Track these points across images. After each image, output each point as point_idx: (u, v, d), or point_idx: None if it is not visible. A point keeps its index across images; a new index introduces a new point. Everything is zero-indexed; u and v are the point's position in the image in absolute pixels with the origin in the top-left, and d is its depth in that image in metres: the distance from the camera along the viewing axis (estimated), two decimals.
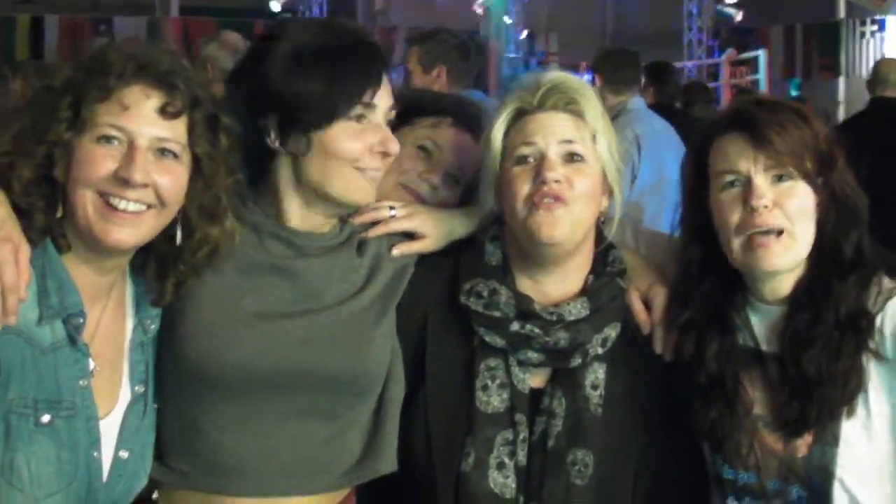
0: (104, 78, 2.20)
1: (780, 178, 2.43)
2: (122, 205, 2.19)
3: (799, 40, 22.56)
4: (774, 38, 22.38)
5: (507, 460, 2.53)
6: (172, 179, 2.24)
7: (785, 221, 2.41)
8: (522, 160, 2.53)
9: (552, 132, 2.53)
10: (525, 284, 2.59)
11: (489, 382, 2.55)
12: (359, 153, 2.46)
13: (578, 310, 2.55)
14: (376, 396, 2.55)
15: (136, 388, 2.36)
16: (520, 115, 2.59)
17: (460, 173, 2.93)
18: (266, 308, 2.46)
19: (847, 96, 20.50)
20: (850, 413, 2.40)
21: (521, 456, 2.54)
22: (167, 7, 19.86)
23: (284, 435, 2.45)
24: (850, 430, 2.41)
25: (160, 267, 2.35)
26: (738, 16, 20.98)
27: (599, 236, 2.65)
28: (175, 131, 2.25)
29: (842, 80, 21.57)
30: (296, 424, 2.46)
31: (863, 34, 22.17)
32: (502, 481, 2.51)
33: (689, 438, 2.59)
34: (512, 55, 21.30)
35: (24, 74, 6.19)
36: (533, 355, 2.54)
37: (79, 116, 2.18)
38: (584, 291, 2.59)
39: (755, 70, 18.55)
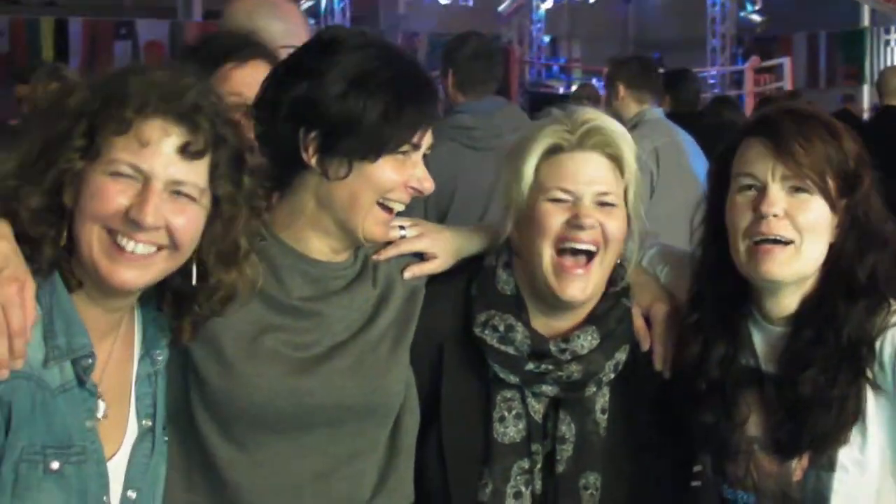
0: (123, 109, 2.06)
1: (796, 190, 2.39)
2: (129, 246, 2.07)
3: (823, 48, 22.50)
4: (798, 45, 22.33)
5: (523, 489, 2.50)
6: (187, 221, 2.11)
7: (793, 233, 2.38)
8: (556, 201, 2.49)
9: (590, 179, 2.49)
10: (536, 318, 2.55)
11: (506, 413, 2.52)
12: (393, 185, 2.40)
13: (589, 341, 2.51)
14: (391, 426, 2.51)
15: (144, 422, 2.26)
16: (555, 151, 2.53)
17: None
18: (286, 347, 2.40)
19: (872, 104, 20.42)
20: (845, 440, 2.36)
21: (538, 484, 2.51)
22: (190, 11, 19.94)
23: (304, 472, 2.41)
24: (847, 456, 2.37)
25: (177, 303, 2.25)
26: (762, 23, 20.91)
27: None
28: (195, 173, 2.11)
29: (866, 88, 21.48)
30: (315, 460, 2.42)
31: (887, 42, 22.11)
32: None
33: (685, 457, 2.58)
34: (534, 60, 21.31)
35: (37, 81, 6.19)
36: (548, 388, 2.51)
37: (93, 145, 2.06)
38: (591, 317, 2.56)
39: (779, 78, 18.49)
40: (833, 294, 2.40)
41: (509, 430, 2.51)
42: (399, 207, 2.43)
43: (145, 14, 20.28)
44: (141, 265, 2.09)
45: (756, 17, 20.75)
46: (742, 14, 21.12)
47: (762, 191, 2.39)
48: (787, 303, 2.45)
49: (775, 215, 2.36)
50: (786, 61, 18.69)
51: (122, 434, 2.22)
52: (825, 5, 21.20)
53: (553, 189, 2.49)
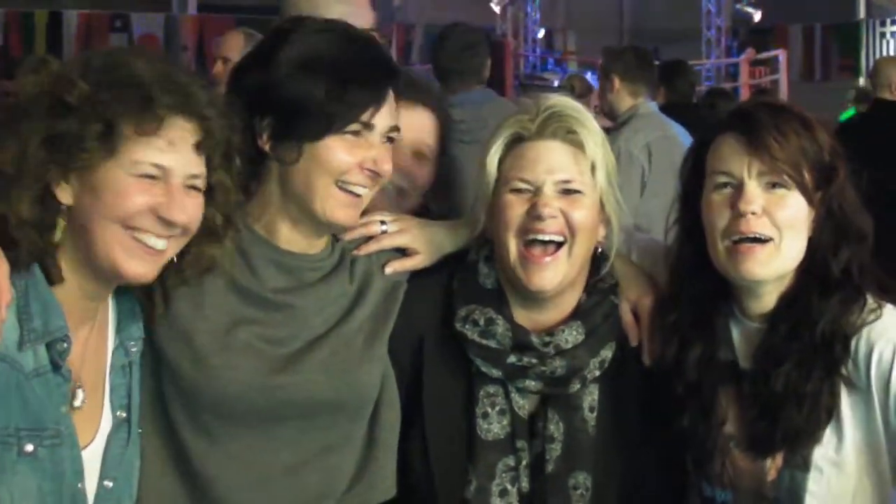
0: (149, 112, 2.06)
1: (773, 186, 2.36)
2: (151, 241, 2.09)
3: (818, 40, 22.49)
4: (794, 38, 22.32)
5: (509, 487, 2.48)
6: (196, 210, 2.17)
7: (772, 230, 2.35)
8: (517, 191, 2.46)
9: (550, 167, 2.45)
10: (518, 311, 2.52)
11: (489, 409, 2.50)
12: (346, 167, 2.38)
13: (574, 336, 2.49)
14: (367, 420, 2.49)
15: (118, 412, 2.25)
16: (516, 141, 2.50)
17: (426, 148, 2.89)
18: (259, 340, 2.39)
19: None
20: (818, 439, 2.34)
21: (525, 482, 2.49)
22: (185, 4, 19.92)
23: (276, 465, 2.40)
24: (821, 456, 2.35)
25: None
26: (757, 15, 20.89)
27: (595, 258, 2.57)
28: (202, 166, 2.17)
29: (862, 81, 21.48)
30: (287, 453, 2.40)
31: (883, 34, 22.10)
32: None
33: (675, 454, 2.54)
34: (529, 53, 21.28)
35: (22, 75, 6.14)
36: (531, 384, 2.48)
37: (108, 146, 2.04)
38: (577, 312, 2.53)
39: (774, 70, 18.47)
40: (808, 289, 2.39)
41: (493, 426, 2.49)
42: (361, 191, 2.41)
43: (140, 7, 20.24)
44: (159, 257, 2.13)
45: (751, 10, 20.69)
46: (737, 6, 21.07)
47: (738, 188, 2.36)
48: (767, 300, 2.43)
49: (753, 213, 2.33)
50: (781, 54, 18.64)
51: (97, 424, 2.20)
52: None
53: (513, 180, 2.46)
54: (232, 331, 2.37)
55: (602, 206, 2.51)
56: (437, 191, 3.01)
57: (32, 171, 2.02)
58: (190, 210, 2.13)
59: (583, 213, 2.44)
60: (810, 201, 2.37)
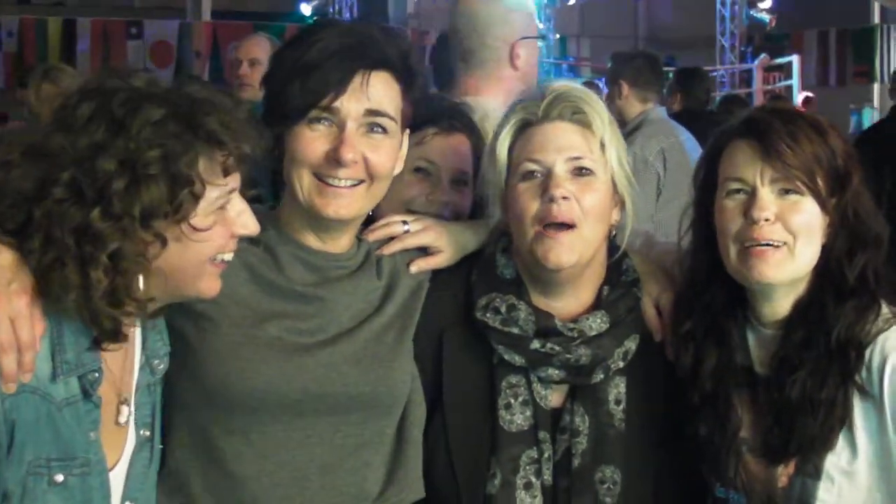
0: (222, 156, 2.06)
1: (786, 192, 2.35)
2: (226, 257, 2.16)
3: (833, 46, 22.43)
4: (808, 43, 22.26)
5: (533, 479, 2.47)
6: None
7: (786, 236, 2.35)
8: (529, 176, 2.45)
9: (558, 146, 2.44)
10: (538, 300, 2.52)
11: (511, 400, 2.49)
12: (312, 156, 2.36)
13: (598, 324, 2.48)
14: (398, 417, 2.48)
15: (142, 431, 2.25)
16: (524, 127, 2.50)
17: (464, 174, 2.87)
18: (289, 333, 2.39)
19: (882, 102, 20.36)
20: (831, 447, 2.33)
21: (548, 475, 2.48)
22: (198, 11, 19.95)
23: (311, 463, 2.38)
24: (833, 465, 2.34)
25: None
26: (772, 21, 20.84)
27: (611, 246, 2.58)
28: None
29: (877, 86, 21.42)
30: (321, 451, 2.39)
31: None
32: (530, 501, 2.46)
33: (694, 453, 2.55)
34: (543, 59, 21.27)
35: (32, 83, 6.10)
36: (554, 372, 2.47)
37: (196, 198, 2.03)
38: (600, 304, 2.53)
39: (788, 76, 18.43)
40: (823, 296, 2.38)
41: (516, 417, 2.48)
42: (338, 183, 2.37)
43: (154, 14, 20.30)
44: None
45: (765, 16, 20.66)
46: (752, 12, 21.03)
47: (752, 195, 2.36)
48: (781, 306, 2.42)
49: (766, 220, 2.33)
50: (795, 59, 18.60)
51: (122, 444, 2.20)
52: (835, 3, 21.16)
53: (524, 162, 2.46)
54: (260, 325, 2.36)
55: (615, 186, 2.50)
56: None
57: (136, 250, 2.00)
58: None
59: (595, 197, 2.44)
60: (824, 207, 2.36)
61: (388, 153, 2.42)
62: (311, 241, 2.46)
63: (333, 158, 2.34)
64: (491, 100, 3.61)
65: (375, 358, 2.43)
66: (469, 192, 2.88)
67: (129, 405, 2.19)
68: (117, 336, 2.04)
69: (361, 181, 2.39)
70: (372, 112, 2.38)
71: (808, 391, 2.33)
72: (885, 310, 2.37)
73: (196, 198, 2.02)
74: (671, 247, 2.77)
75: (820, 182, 2.35)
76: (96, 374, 2.07)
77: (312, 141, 2.36)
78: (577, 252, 2.42)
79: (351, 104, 2.36)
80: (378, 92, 2.39)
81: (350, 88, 2.35)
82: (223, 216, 2.10)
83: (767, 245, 2.34)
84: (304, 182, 2.38)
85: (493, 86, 3.78)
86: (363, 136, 2.38)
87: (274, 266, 2.42)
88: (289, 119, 2.36)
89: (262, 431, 2.36)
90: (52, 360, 2.01)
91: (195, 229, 2.04)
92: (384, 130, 2.40)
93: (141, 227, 1.97)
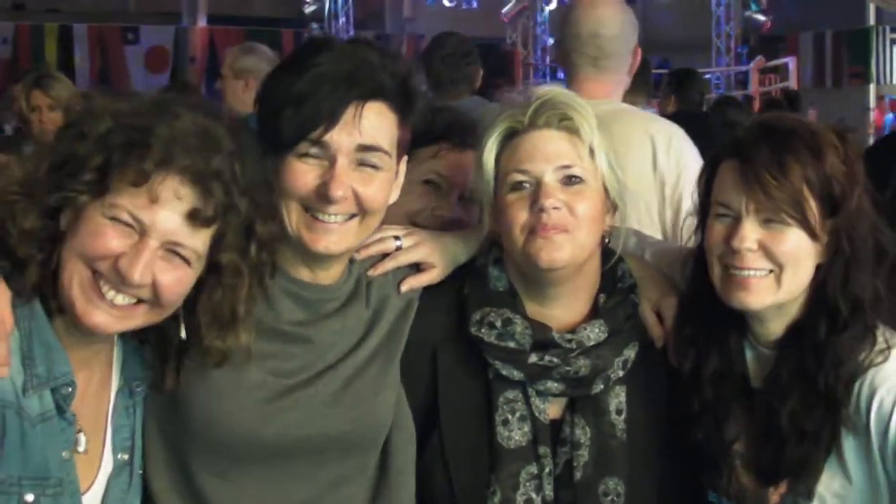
0: (143, 161, 1.97)
1: (771, 221, 2.30)
2: (109, 294, 2.00)
3: (828, 47, 22.43)
4: (803, 45, 22.26)
5: (534, 496, 2.42)
6: (176, 282, 2.05)
7: (769, 264, 2.31)
8: (518, 187, 2.40)
9: (547, 156, 2.39)
10: (533, 310, 2.48)
11: (509, 416, 2.44)
12: (302, 190, 2.27)
13: (597, 334, 2.44)
14: (380, 448, 2.44)
15: (120, 455, 2.20)
16: (511, 136, 2.44)
17: (472, 192, 2.79)
18: (273, 375, 2.33)
19: (877, 103, 20.40)
20: (818, 474, 2.31)
21: (549, 490, 2.44)
22: (194, 16, 19.97)
23: (291, 500, 2.36)
24: (826, 488, 2.32)
25: (160, 349, 2.19)
26: (767, 23, 20.84)
27: (605, 252, 2.53)
28: (197, 239, 2.04)
29: (872, 87, 21.43)
30: (300, 487, 2.36)
31: (893, 41, 22.04)
32: None
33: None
34: (539, 62, 21.27)
35: (24, 87, 6.10)
36: (553, 385, 2.43)
37: (102, 182, 1.98)
38: (598, 313, 2.49)
39: (784, 77, 18.44)
40: (816, 325, 2.34)
41: (514, 433, 2.43)
42: (328, 219, 2.29)
43: (149, 20, 20.30)
44: (118, 314, 2.03)
45: (760, 17, 20.64)
46: (747, 14, 21.02)
47: (736, 221, 2.32)
48: (774, 327, 2.40)
49: (749, 249, 2.29)
50: (791, 61, 18.61)
51: (97, 467, 2.16)
52: (830, 4, 21.16)
53: (512, 173, 2.40)
54: (245, 368, 2.28)
55: (606, 192, 2.45)
56: None
57: (40, 186, 1.99)
58: (161, 277, 2.02)
59: (587, 205, 2.39)
60: (813, 235, 2.30)
61: (381, 187, 2.32)
62: (302, 272, 2.39)
63: (323, 194, 2.25)
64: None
65: (356, 395, 2.39)
66: (475, 208, 2.81)
67: (87, 434, 2.12)
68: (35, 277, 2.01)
69: (353, 215, 2.31)
70: (364, 147, 2.27)
71: (795, 421, 2.31)
72: (879, 339, 2.32)
73: (97, 181, 1.99)
74: (666, 246, 2.75)
75: (811, 208, 2.29)
76: (69, 389, 2.03)
77: (302, 174, 2.26)
78: (569, 251, 2.37)
79: (342, 138, 2.25)
80: (372, 125, 2.28)
81: (342, 121, 2.24)
82: (115, 231, 1.99)
83: (750, 273, 2.31)
84: (293, 216, 2.29)
85: (619, 91, 3.92)
86: (354, 170, 2.28)
87: (263, 302, 2.30)
88: (279, 149, 2.26)
89: (242, 471, 2.33)
90: (23, 374, 1.97)
91: (86, 220, 2.00)
92: (376, 167, 2.31)
93: (48, 178, 2.00)
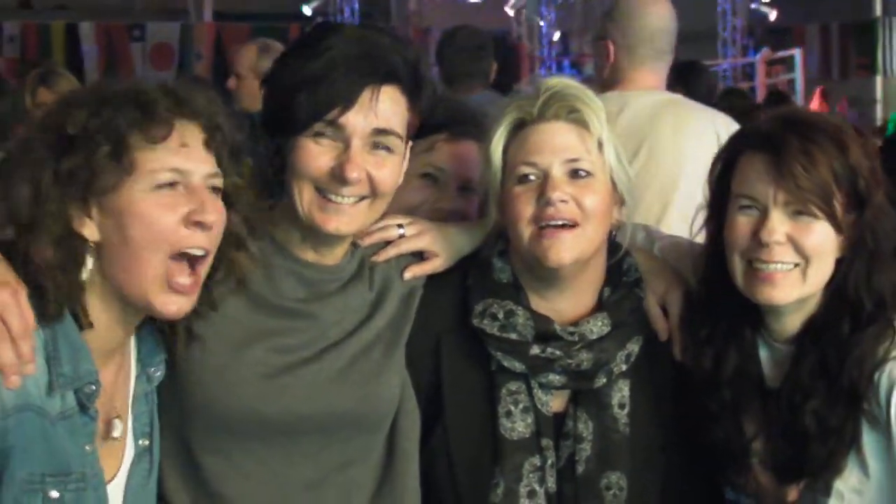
0: (154, 116, 2.03)
1: (799, 213, 2.30)
2: (192, 251, 2.07)
3: (835, 39, 22.35)
4: (810, 36, 22.18)
5: (537, 488, 2.44)
6: (223, 212, 2.14)
7: (797, 257, 2.30)
8: (525, 179, 2.41)
9: (554, 149, 2.40)
10: (537, 303, 2.48)
11: (512, 408, 2.46)
12: (315, 171, 2.30)
13: (600, 327, 2.45)
14: (387, 432, 2.46)
15: (141, 441, 2.22)
16: (520, 127, 2.45)
17: (472, 182, 2.84)
18: (275, 352, 2.35)
19: (885, 95, 20.33)
20: (840, 470, 2.31)
21: (551, 482, 2.45)
22: (200, 12, 19.93)
23: (294, 481, 2.37)
24: (844, 484, 2.32)
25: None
26: (773, 14, 20.77)
27: (611, 245, 2.54)
28: (216, 165, 2.14)
29: (879, 79, 21.36)
30: (305, 469, 2.38)
31: None
32: None
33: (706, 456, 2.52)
34: (545, 55, 21.22)
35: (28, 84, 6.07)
36: (555, 378, 2.44)
37: (120, 163, 2.01)
38: (602, 306, 2.49)
39: (791, 69, 18.37)
40: (838, 320, 2.33)
41: (517, 425, 2.45)
42: (340, 200, 2.32)
43: (155, 16, 20.28)
44: (193, 288, 2.10)
45: (767, 10, 20.58)
46: (753, 5, 20.96)
47: (763, 214, 2.30)
48: (791, 322, 2.39)
49: (777, 242, 2.28)
50: (797, 53, 18.55)
51: (121, 455, 2.18)
52: None
53: (520, 165, 2.41)
54: (247, 344, 2.32)
55: (614, 185, 2.45)
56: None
57: (50, 211, 1.98)
58: (219, 209, 2.10)
59: (595, 199, 2.39)
60: (839, 229, 2.30)
61: (393, 170, 2.37)
62: (307, 252, 2.42)
63: (338, 175, 2.28)
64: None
65: (361, 374, 2.40)
66: (475, 199, 2.85)
67: (123, 420, 2.16)
68: (76, 318, 2.02)
69: (364, 197, 2.34)
70: (380, 131, 2.32)
71: (819, 420, 2.31)
72: None
73: (121, 166, 2.00)
74: (676, 240, 2.74)
75: (837, 202, 2.29)
76: (93, 387, 2.04)
77: (318, 155, 2.30)
78: (577, 249, 2.38)
79: (358, 120, 2.29)
80: (387, 109, 2.32)
81: (358, 104, 2.28)
82: (172, 197, 2.05)
83: (777, 267, 2.30)
84: (304, 196, 2.32)
85: (663, 84, 4.21)
86: (368, 153, 2.32)
87: (265, 279, 2.36)
88: (292, 130, 2.29)
89: (244, 450, 2.34)
90: (48, 374, 1.98)
91: (130, 208, 2.01)
92: (389, 149, 2.35)
93: (57, 188, 1.98)
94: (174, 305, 2.08)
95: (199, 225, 2.05)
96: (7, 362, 1.91)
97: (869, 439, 2.31)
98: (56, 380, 1.99)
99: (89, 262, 2.05)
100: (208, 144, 2.10)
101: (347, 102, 2.27)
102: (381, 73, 2.32)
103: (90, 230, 2.03)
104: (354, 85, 2.28)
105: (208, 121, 2.11)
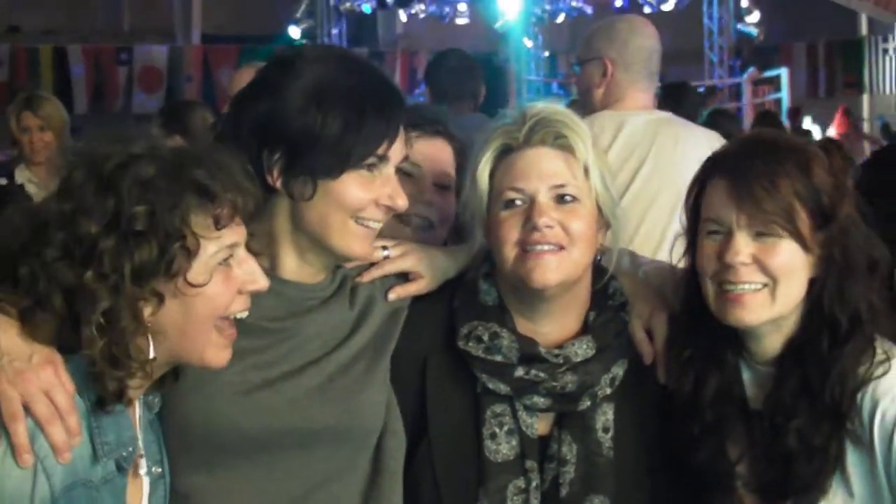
0: (214, 200, 2.05)
1: (763, 234, 2.31)
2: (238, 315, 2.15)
3: (821, 58, 22.48)
4: (797, 56, 22.31)
5: None
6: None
7: (763, 277, 2.31)
8: (511, 204, 2.42)
9: (541, 174, 2.40)
10: (523, 326, 2.49)
11: (497, 430, 2.46)
12: (362, 204, 2.35)
13: (584, 350, 2.45)
14: (372, 449, 2.46)
15: (154, 469, 2.22)
16: (506, 153, 2.46)
17: (448, 179, 2.88)
18: (254, 369, 2.35)
19: (871, 113, 20.44)
20: (825, 491, 2.31)
21: None
22: (188, 35, 19.96)
23: (277, 497, 2.37)
24: None
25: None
26: (760, 34, 20.86)
27: (597, 269, 2.55)
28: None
29: (866, 97, 21.48)
30: (287, 485, 2.37)
31: (885, 51, 22.10)
32: None
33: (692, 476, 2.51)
34: (533, 77, 21.28)
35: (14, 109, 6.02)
36: (539, 400, 2.44)
37: (187, 250, 2.00)
38: (587, 329, 2.50)
39: (778, 88, 18.45)
40: (816, 339, 2.34)
41: (502, 447, 2.45)
42: (376, 225, 2.39)
43: (143, 39, 20.29)
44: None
45: (753, 29, 20.66)
46: (739, 26, 21.05)
47: (727, 236, 2.32)
48: (770, 344, 2.40)
49: (742, 263, 2.30)
50: (784, 72, 18.63)
51: (141, 487, 2.18)
52: (823, 15, 21.20)
53: (506, 191, 2.42)
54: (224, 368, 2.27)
55: (600, 210, 2.46)
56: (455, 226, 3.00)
57: (129, 309, 1.97)
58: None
59: (581, 223, 2.40)
60: (806, 247, 2.31)
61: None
62: (290, 273, 2.43)
63: (384, 205, 2.37)
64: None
65: (342, 390, 2.40)
66: (452, 197, 2.88)
67: (142, 454, 2.16)
68: (121, 397, 2.01)
69: (383, 220, 2.42)
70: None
71: (804, 439, 2.31)
72: (878, 351, 2.33)
73: (189, 252, 2.01)
74: (659, 265, 2.75)
75: (801, 221, 2.30)
76: (130, 449, 2.06)
77: (362, 187, 2.34)
78: (562, 271, 2.39)
79: (398, 152, 2.40)
80: (403, 137, 2.45)
81: (398, 137, 2.40)
82: (227, 272, 2.09)
83: (744, 288, 2.31)
84: (336, 226, 2.36)
85: (654, 104, 4.30)
86: (398, 180, 2.42)
87: None
88: (345, 165, 2.32)
89: (226, 467, 2.34)
90: (91, 445, 1.98)
91: (192, 285, 2.02)
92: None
93: (134, 285, 1.95)
94: (225, 357, 2.14)
95: (249, 293, 2.14)
96: (59, 441, 1.90)
97: (853, 460, 2.31)
98: (101, 448, 1.99)
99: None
100: (243, 212, 2.13)
101: (393, 135, 2.40)
102: (403, 102, 2.45)
103: (148, 310, 2.02)
104: (395, 117, 2.41)
105: (245, 192, 2.12)
